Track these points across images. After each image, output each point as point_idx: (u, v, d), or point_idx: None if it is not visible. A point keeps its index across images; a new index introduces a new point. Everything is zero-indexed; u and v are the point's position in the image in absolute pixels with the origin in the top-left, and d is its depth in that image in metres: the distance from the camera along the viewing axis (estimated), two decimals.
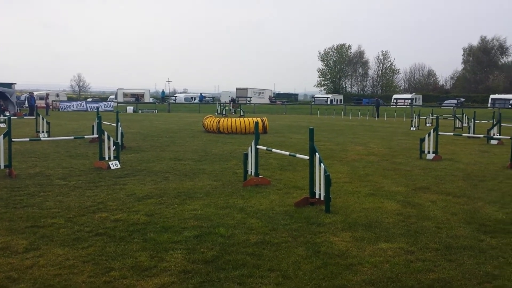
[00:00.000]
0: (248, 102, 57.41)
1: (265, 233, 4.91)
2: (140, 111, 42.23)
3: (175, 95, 75.39)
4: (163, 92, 69.73)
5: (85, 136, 12.26)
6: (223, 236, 4.81)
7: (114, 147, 9.35)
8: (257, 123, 7.59)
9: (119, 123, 11.82)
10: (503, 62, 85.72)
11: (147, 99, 57.54)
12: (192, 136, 16.45)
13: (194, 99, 63.61)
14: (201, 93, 66.34)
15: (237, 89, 66.41)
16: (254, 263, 4.06)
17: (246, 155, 7.63)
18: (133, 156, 10.73)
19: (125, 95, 56.76)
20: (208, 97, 72.43)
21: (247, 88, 65.18)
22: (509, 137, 10.13)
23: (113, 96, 60.00)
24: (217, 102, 48.39)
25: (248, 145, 7.62)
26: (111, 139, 9.41)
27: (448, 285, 3.64)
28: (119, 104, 46.86)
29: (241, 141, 14.37)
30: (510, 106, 46.75)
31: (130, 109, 42.42)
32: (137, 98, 53.69)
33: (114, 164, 9.03)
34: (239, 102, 47.73)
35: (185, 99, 64.36)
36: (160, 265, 4.02)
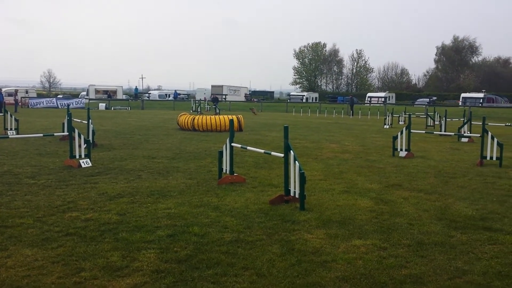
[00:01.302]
0: (223, 99, 57.20)
1: (239, 231, 4.88)
2: (112, 108, 41.61)
3: (149, 92, 74.50)
4: (136, 89, 68.80)
5: (55, 134, 11.95)
6: (197, 235, 4.75)
7: (85, 145, 9.15)
8: (232, 120, 7.54)
9: (90, 120, 11.57)
10: (473, 61, 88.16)
11: (120, 96, 56.66)
12: (166, 133, 16.26)
13: (169, 96, 62.92)
14: (175, 90, 65.60)
15: (212, 86, 66.04)
16: (228, 262, 4.02)
17: (221, 153, 7.57)
18: (105, 154, 10.52)
19: (97, 91, 55.74)
20: (183, 94, 71.78)
21: (222, 85, 64.90)
22: (479, 135, 10.40)
23: (84, 93, 58.92)
24: (192, 100, 48.06)
25: (223, 143, 7.57)
26: (82, 136, 9.20)
27: (419, 280, 3.69)
28: (90, 101, 46.03)
29: (216, 139, 14.28)
30: (480, 105, 48.08)
31: (102, 106, 41.70)
32: (109, 95, 52.79)
33: (85, 162, 8.83)
34: (220, 100, 47.28)
35: (159, 96, 63.64)
36: (132, 265, 3.94)
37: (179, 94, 65.51)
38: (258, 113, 36.86)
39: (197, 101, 41.19)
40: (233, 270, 3.85)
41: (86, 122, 11.77)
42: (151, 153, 10.93)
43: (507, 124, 21.38)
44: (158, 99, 60.04)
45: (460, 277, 3.78)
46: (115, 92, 56.87)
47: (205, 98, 52.39)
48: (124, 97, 58.25)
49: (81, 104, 41.94)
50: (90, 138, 11.08)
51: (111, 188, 6.95)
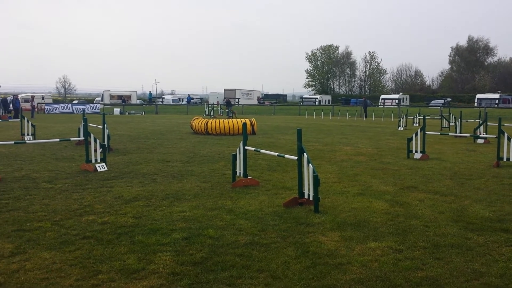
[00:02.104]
0: (236, 103, 57.39)
1: (254, 234, 4.90)
2: (127, 113, 41.99)
3: (163, 96, 75.06)
4: (150, 93, 69.35)
5: (71, 139, 12.13)
6: (212, 237, 4.78)
7: (101, 149, 9.26)
8: (245, 124, 7.58)
9: (105, 125, 11.71)
10: (489, 62, 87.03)
11: (134, 100, 57.21)
12: (180, 137, 16.37)
13: (182, 101, 63.34)
14: (188, 95, 66.05)
15: (225, 90, 66.36)
16: (243, 264, 4.04)
17: (234, 156, 7.61)
18: (120, 158, 10.63)
19: (111, 97, 56.36)
20: (196, 98, 72.18)
21: (235, 89, 65.15)
22: (495, 136, 10.26)
23: (99, 98, 59.55)
24: (205, 103, 48.29)
25: (236, 146, 7.61)
26: (98, 141, 9.32)
27: (436, 283, 3.66)
28: (105, 106, 46.55)
29: (229, 142, 14.34)
30: (496, 106, 47.42)
31: (116, 111, 42.15)
32: (123, 99, 53.33)
33: (101, 167, 8.94)
34: (233, 104, 47.40)
35: (173, 100, 64.11)
36: (148, 267, 3.98)
37: (192, 99, 65.93)
38: (271, 116, 36.85)
39: (210, 105, 41.36)
40: (248, 272, 3.87)
41: (102, 127, 11.92)
42: (166, 157, 11.02)
43: None
44: (171, 103, 60.47)
45: (477, 279, 3.73)
46: (129, 97, 57.45)
47: (218, 102, 52.58)
48: (138, 102, 58.81)
49: (96, 109, 42.42)
50: (106, 142, 11.21)
51: (127, 191, 7.02)
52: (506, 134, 9.87)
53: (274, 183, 7.72)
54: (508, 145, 9.74)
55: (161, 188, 7.27)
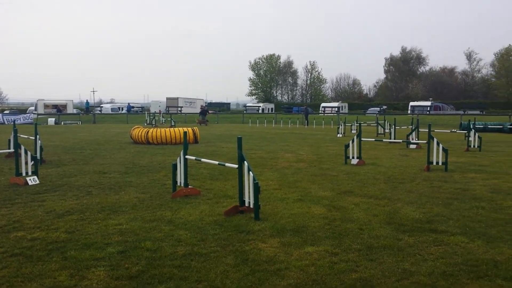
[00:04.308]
0: (179, 111, 56.74)
1: (193, 244, 4.84)
2: (62, 123, 40.32)
3: (101, 105, 72.68)
4: (87, 102, 66.93)
5: (0, 151, 11.40)
6: (150, 250, 4.66)
7: (32, 161, 8.79)
8: (185, 132, 7.49)
9: (38, 136, 11.14)
10: (421, 71, 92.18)
11: (70, 110, 54.90)
12: (119, 148, 15.89)
13: (122, 109, 61.64)
14: (129, 103, 64.31)
15: (167, 98, 65.33)
16: (181, 276, 3.97)
17: (174, 166, 7.49)
18: (53, 171, 10.13)
19: (46, 106, 53.68)
20: (137, 107, 70.50)
21: (178, 97, 64.33)
22: (426, 141, 10.87)
23: (32, 108, 56.63)
24: (146, 112, 47.32)
25: (178, 156, 7.49)
26: (29, 153, 8.83)
27: (369, 283, 3.80)
28: (39, 116, 44.37)
29: (171, 152, 14.11)
30: (428, 112, 50.27)
31: (51, 121, 40.31)
32: (59, 109, 50.99)
33: (32, 180, 8.48)
34: (177, 112, 46.88)
35: (112, 109, 62.22)
36: (81, 283, 3.82)
37: (133, 107, 64.35)
38: (213, 124, 36.78)
39: (151, 114, 40.58)
40: (186, 284, 3.81)
41: (34, 138, 11.31)
42: (102, 168, 10.64)
43: (452, 130, 22.51)
44: (110, 112, 58.69)
45: (408, 278, 3.91)
46: (65, 106, 54.99)
47: (160, 110, 51.70)
48: (74, 111, 56.55)
49: (30, 120, 40.32)
50: (38, 154, 10.65)
51: (60, 205, 6.70)
52: (435, 140, 10.49)
53: (215, 192, 7.69)
54: (437, 149, 10.35)
55: (96, 201, 7.00)
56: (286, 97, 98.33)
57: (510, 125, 26.29)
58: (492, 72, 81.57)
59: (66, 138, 20.57)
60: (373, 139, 15.68)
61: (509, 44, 77.89)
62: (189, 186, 7.48)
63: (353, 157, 11.46)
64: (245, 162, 6.06)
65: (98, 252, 4.58)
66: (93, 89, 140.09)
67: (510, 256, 4.42)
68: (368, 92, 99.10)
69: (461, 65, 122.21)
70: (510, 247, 4.71)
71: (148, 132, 17.31)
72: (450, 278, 3.90)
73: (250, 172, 5.93)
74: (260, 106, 70.22)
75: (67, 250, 4.64)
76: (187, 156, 7.30)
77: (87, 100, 70.47)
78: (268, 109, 69.71)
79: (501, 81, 75.30)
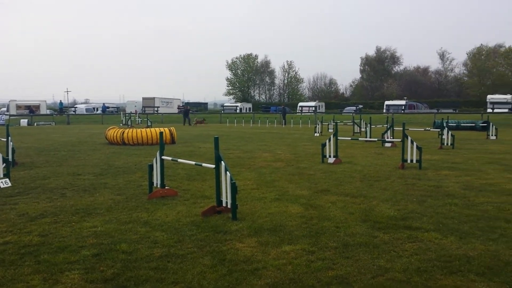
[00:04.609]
0: (155, 112, 56.20)
1: (170, 246, 4.79)
2: (35, 124, 39.46)
3: (75, 106, 71.40)
4: (61, 103, 65.58)
5: None
6: (125, 252, 4.60)
7: (4, 164, 8.56)
8: (161, 133, 7.43)
9: (9, 138, 10.84)
10: (395, 70, 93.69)
11: (43, 111, 53.75)
12: (94, 149, 15.63)
13: (97, 110, 60.65)
14: (104, 104, 63.30)
15: (143, 98, 64.57)
16: (157, 278, 3.93)
17: (151, 167, 7.41)
18: (26, 173, 9.90)
19: (18, 107, 52.38)
20: (112, 107, 69.45)
21: (154, 97, 63.66)
22: (400, 140, 11.05)
23: (4, 109, 55.15)
24: (122, 113, 46.71)
25: (154, 156, 7.41)
26: (0, 155, 8.60)
27: (345, 281, 3.84)
28: (11, 117, 43.28)
29: (147, 152, 13.96)
30: (402, 111, 51.14)
31: (24, 122, 39.43)
32: (31, 110, 49.84)
33: (4, 183, 8.26)
34: (154, 112, 46.40)
35: (87, 109, 61.14)
36: (55, 287, 3.74)
37: (108, 108, 63.36)
38: (193, 125, 36.58)
39: (127, 114, 40.07)
40: (163, 285, 3.77)
41: (5, 139, 11.02)
42: (77, 169, 10.44)
43: (426, 128, 22.98)
44: (85, 113, 57.69)
45: (383, 275, 3.97)
46: (38, 107, 53.77)
47: (136, 110, 51.08)
48: (48, 112, 55.35)
49: (1, 121, 39.25)
50: (10, 156, 10.37)
51: (33, 208, 6.54)
52: (409, 138, 10.68)
53: (192, 193, 7.64)
54: (412, 148, 10.53)
55: (70, 203, 6.87)
56: (263, 97, 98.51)
57: (482, 123, 26.99)
58: (464, 71, 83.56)
59: (39, 140, 20.12)
60: (350, 138, 15.86)
61: (481, 44, 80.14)
62: (166, 187, 7.41)
63: (330, 156, 11.56)
64: (222, 162, 6.04)
65: (72, 255, 4.50)
66: (67, 89, 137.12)
67: (482, 252, 4.53)
68: (344, 92, 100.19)
69: (434, 64, 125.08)
70: (482, 242, 4.84)
71: (123, 132, 17.08)
72: (424, 274, 3.98)
73: (227, 172, 5.91)
74: (237, 106, 70.19)
75: (40, 254, 4.54)
76: (163, 157, 7.23)
77: (60, 100, 69.20)
78: (246, 108, 69.72)
79: (473, 80, 77.19)
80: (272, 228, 5.42)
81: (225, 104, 78.13)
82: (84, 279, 3.91)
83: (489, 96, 59.23)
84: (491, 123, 21.20)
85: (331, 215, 6.01)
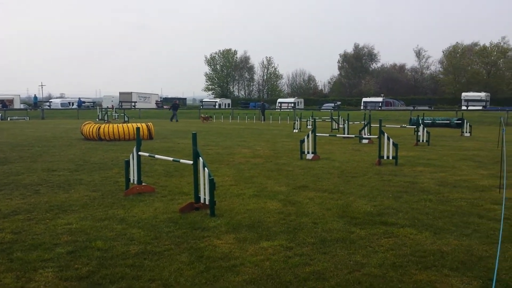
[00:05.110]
0: (133, 107, 55.49)
1: (146, 243, 4.74)
2: (9, 119, 38.49)
3: (50, 100, 69.93)
4: (35, 97, 64.07)
5: None
6: (101, 249, 4.52)
7: None
8: (138, 128, 7.33)
9: None
10: (373, 67, 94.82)
11: (17, 105, 52.47)
12: (69, 144, 15.32)
13: (72, 104, 59.52)
14: (79, 98, 62.15)
15: (120, 93, 63.65)
16: (134, 275, 3.88)
17: (127, 163, 7.31)
18: None
19: None
20: (88, 102, 68.24)
21: (131, 92, 62.82)
22: (377, 136, 11.19)
23: None
24: (98, 107, 45.97)
25: (131, 152, 7.31)
26: None
27: (322, 276, 3.86)
28: None
29: (124, 148, 13.77)
30: (379, 108, 51.83)
31: None
32: (4, 104, 48.57)
33: None
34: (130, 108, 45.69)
35: (62, 104, 59.92)
36: (28, 285, 3.65)
37: (84, 102, 62.24)
38: (169, 120, 36.24)
39: (103, 109, 39.44)
40: (139, 283, 3.73)
41: None
42: (51, 165, 10.23)
43: (402, 125, 23.34)
44: (60, 107, 56.52)
45: (359, 270, 4.01)
46: (11, 101, 52.46)
47: (112, 105, 50.34)
48: (22, 106, 54.03)
49: None
50: None
51: (5, 205, 6.37)
52: (386, 135, 10.82)
53: (170, 189, 7.57)
54: (388, 144, 10.68)
55: (44, 200, 6.72)
56: (243, 93, 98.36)
57: (457, 121, 27.58)
58: (440, 69, 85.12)
59: (13, 135, 19.63)
60: (328, 135, 15.98)
61: (457, 42, 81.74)
62: (143, 183, 7.32)
63: (308, 152, 11.63)
64: (200, 158, 6.00)
65: (46, 253, 4.40)
66: (41, 84, 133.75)
67: (455, 247, 4.63)
68: (323, 88, 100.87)
69: (410, 62, 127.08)
70: (456, 238, 4.94)
71: (99, 128, 16.80)
72: (400, 269, 4.04)
73: (206, 168, 5.87)
74: (216, 102, 69.90)
75: (13, 252, 4.43)
76: (140, 153, 7.14)
77: (35, 94, 67.58)
78: (225, 104, 69.50)
79: (448, 78, 78.68)
80: (250, 225, 5.42)
81: (204, 100, 77.72)
82: (58, 277, 3.83)
83: (463, 94, 60.64)
84: (465, 120, 21.69)
85: (309, 211, 6.05)
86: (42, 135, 19.21)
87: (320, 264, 4.12)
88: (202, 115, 38.12)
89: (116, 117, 38.34)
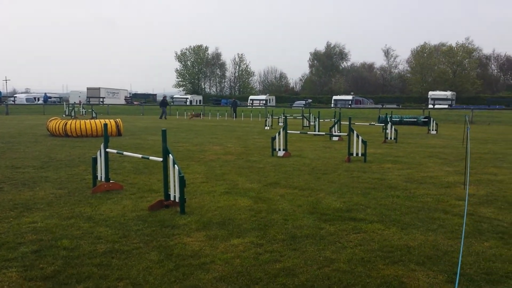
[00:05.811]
0: (101, 102, 54.39)
1: (114, 241, 4.65)
2: None
3: (15, 95, 67.74)
4: None
5: None
6: (66, 248, 4.41)
7: None
8: (106, 124, 7.17)
9: None
10: (343, 66, 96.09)
11: None
12: (34, 141, 14.86)
13: (38, 100, 57.83)
14: (45, 93, 60.48)
15: (88, 88, 62.31)
16: (101, 274, 3.80)
17: (94, 160, 7.15)
18: None
19: None
20: (55, 97, 66.44)
21: (99, 87, 61.56)
22: (347, 133, 11.35)
23: None
24: (65, 103, 44.83)
25: (99, 149, 7.15)
26: None
27: (292, 272, 3.89)
28: None
29: (91, 145, 13.47)
30: (349, 106, 52.61)
31: None
32: None
33: None
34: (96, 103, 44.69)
35: (27, 99, 58.17)
36: None
37: (50, 98, 60.60)
38: (140, 116, 35.68)
39: (70, 105, 38.47)
40: (106, 282, 3.65)
41: None
42: (15, 162, 9.89)
43: (371, 123, 23.76)
44: (25, 103, 54.82)
45: (328, 266, 4.06)
46: None
47: (80, 101, 49.20)
48: None
49: None
50: None
51: None
52: (355, 132, 10.99)
53: (139, 186, 7.45)
54: (357, 141, 10.85)
55: (8, 198, 6.49)
56: (214, 89, 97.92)
57: (424, 119, 28.28)
58: (408, 68, 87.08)
59: None
60: (299, 132, 16.09)
61: (425, 42, 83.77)
62: (111, 181, 7.18)
63: (279, 149, 11.68)
64: (170, 155, 5.93)
65: (10, 253, 4.26)
66: (5, 78, 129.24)
67: (422, 242, 4.74)
68: (294, 86, 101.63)
69: (379, 61, 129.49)
70: (422, 233, 5.06)
71: (66, 124, 16.37)
72: (368, 264, 4.11)
73: (176, 165, 5.81)
74: (187, 98, 69.35)
75: None
76: (108, 149, 6.99)
77: None
78: (196, 101, 69.05)
79: (416, 77, 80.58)
80: (220, 222, 5.39)
81: (174, 96, 76.92)
82: (23, 277, 3.71)
83: (430, 93, 62.28)
84: (432, 119, 22.27)
85: (279, 208, 6.07)
86: (6, 131, 18.57)
87: (290, 261, 4.15)
88: (192, 112, 37.65)
89: (84, 113, 37.49)
